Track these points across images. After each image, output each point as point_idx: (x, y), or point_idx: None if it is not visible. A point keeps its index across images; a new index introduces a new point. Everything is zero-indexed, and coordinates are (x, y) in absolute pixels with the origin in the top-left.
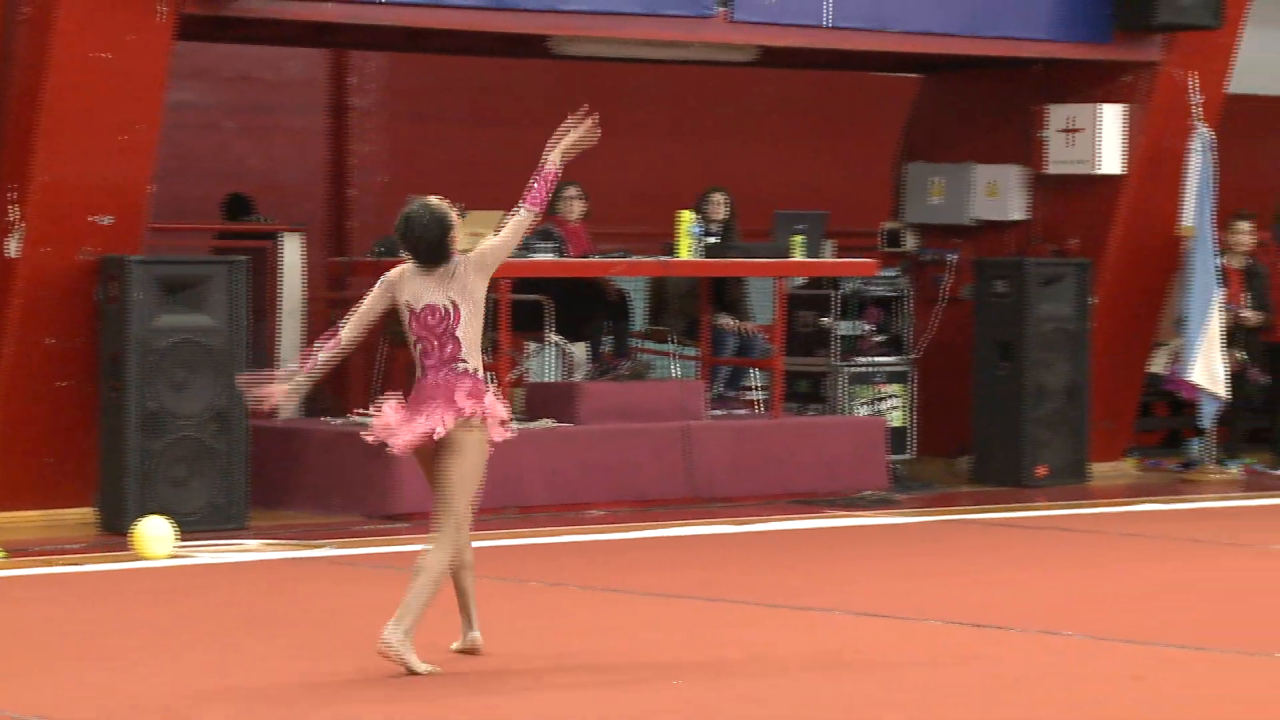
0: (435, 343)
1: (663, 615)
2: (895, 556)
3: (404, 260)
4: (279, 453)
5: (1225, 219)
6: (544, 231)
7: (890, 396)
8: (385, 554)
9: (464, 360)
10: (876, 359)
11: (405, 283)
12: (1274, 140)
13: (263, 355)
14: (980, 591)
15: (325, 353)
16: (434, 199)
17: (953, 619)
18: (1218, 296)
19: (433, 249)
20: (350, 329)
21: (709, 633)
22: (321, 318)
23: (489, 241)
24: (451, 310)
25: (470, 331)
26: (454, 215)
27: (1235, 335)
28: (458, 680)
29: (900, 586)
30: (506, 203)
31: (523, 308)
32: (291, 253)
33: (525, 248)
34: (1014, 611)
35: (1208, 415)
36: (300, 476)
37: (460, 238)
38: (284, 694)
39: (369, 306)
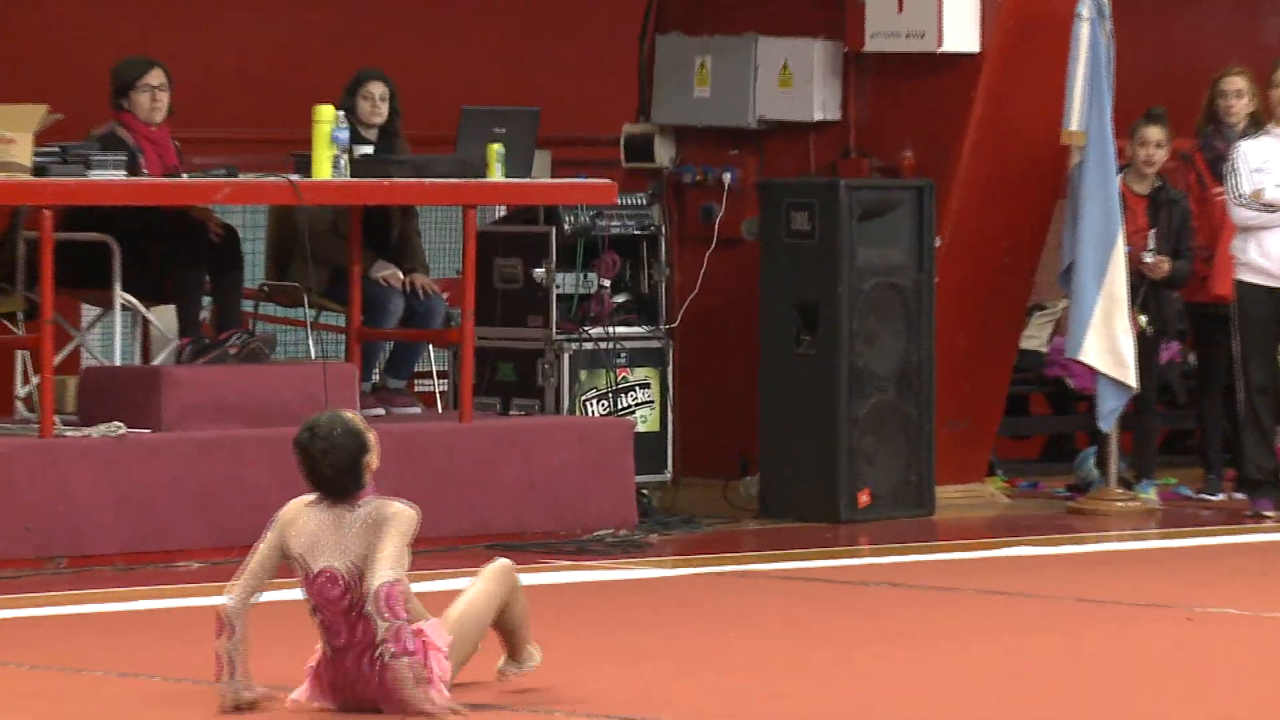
0: (342, 622)
1: None
2: (646, 629)
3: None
4: None
5: (1126, 121)
6: (108, 137)
7: (638, 386)
8: None
9: (385, 642)
10: (616, 330)
11: (298, 525)
12: (1195, 3)
13: None
14: (772, 682)
15: (226, 644)
16: (348, 414)
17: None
18: (1121, 236)
19: (338, 475)
20: (238, 597)
21: None
22: None
23: (390, 540)
24: (355, 582)
25: None
26: (371, 437)
27: (1136, 291)
28: None
29: (653, 674)
30: (27, 91)
31: (77, 253)
32: None
33: (80, 161)
34: (821, 713)
35: (1109, 414)
36: None
37: (374, 463)
38: None
39: (261, 560)
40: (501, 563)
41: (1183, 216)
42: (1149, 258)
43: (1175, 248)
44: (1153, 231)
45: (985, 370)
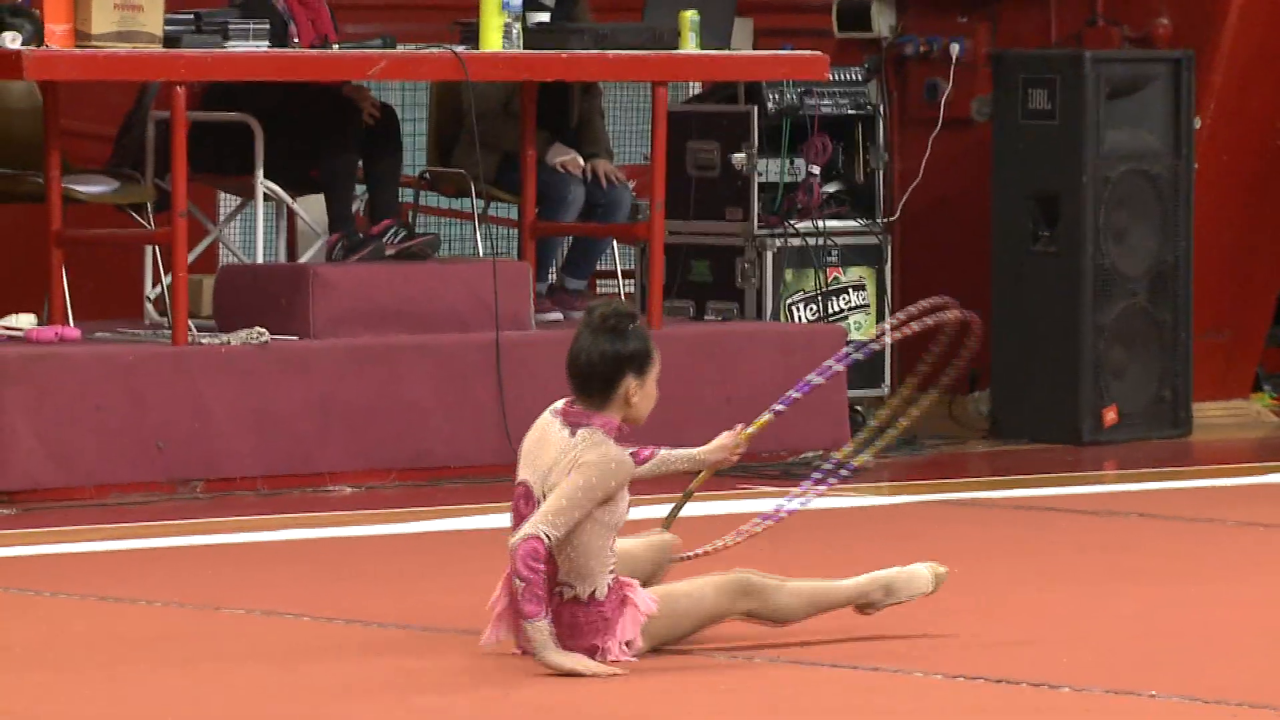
0: None
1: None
2: (860, 564)
3: None
4: None
5: None
6: (253, 1)
7: (851, 289)
8: None
9: (569, 585)
10: (827, 224)
11: (534, 425)
12: None
13: None
14: (1011, 625)
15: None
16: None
17: (970, 673)
18: None
19: (592, 371)
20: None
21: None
22: None
23: (565, 492)
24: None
25: (571, 549)
26: (651, 373)
27: None
28: None
29: (870, 618)
30: None
31: (213, 135)
32: None
33: (217, 30)
34: (1071, 658)
35: None
36: None
37: (648, 382)
38: None
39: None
40: (736, 578)
41: None
42: None
43: None
44: None
45: (1251, 271)
